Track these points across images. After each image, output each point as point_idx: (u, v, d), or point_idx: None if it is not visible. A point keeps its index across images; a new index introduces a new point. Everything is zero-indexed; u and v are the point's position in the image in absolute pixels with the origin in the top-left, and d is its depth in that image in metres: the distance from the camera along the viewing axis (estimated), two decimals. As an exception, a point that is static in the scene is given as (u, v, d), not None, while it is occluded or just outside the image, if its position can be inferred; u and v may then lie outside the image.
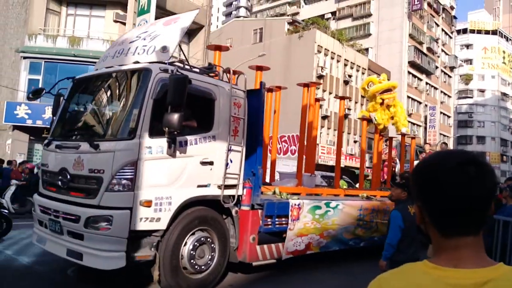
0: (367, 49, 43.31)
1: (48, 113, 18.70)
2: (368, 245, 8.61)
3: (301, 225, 6.98)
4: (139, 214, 5.04)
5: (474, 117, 63.58)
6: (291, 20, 37.56)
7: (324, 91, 33.57)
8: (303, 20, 38.78)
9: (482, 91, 64.36)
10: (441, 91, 52.29)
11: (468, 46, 65.35)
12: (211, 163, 5.82)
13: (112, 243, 4.97)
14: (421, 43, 46.45)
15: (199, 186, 5.73)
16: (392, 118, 11.19)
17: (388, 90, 10.92)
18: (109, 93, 6.24)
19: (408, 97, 44.65)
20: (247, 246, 6.24)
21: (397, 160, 13.24)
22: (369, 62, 39.61)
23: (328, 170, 30.62)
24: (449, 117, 54.74)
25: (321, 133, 33.27)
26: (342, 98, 10.70)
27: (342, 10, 47.08)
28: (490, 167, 1.05)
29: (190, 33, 24.60)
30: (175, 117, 4.98)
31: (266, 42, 35.88)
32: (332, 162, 29.94)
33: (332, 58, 35.03)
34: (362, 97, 31.99)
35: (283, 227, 6.83)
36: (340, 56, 35.61)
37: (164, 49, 5.59)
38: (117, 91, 6.09)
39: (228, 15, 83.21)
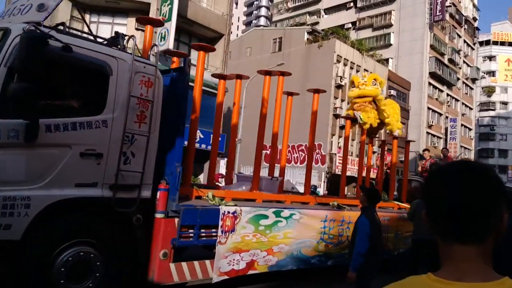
0: (387, 60, 42.29)
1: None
2: (338, 264, 7.10)
3: (237, 238, 5.64)
4: None
5: (496, 130, 61.88)
6: (311, 30, 37.28)
7: (343, 100, 33.16)
8: (322, 30, 38.53)
9: (505, 103, 62.64)
10: (463, 103, 50.60)
11: (490, 58, 63.79)
12: (98, 155, 4.52)
13: None
14: (442, 54, 44.99)
15: (78, 185, 4.42)
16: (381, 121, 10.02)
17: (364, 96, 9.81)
18: None
19: (429, 108, 43.49)
20: (155, 264, 4.93)
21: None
22: (389, 72, 38.76)
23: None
24: (470, 129, 53.15)
25: (338, 142, 33.05)
26: (316, 91, 8.98)
27: (362, 20, 46.13)
28: (493, 174, 1.01)
29: (210, 42, 24.79)
30: (19, 88, 3.70)
31: (285, 51, 35.47)
32: (349, 173, 29.53)
33: (352, 68, 34.51)
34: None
35: (212, 240, 5.49)
36: (359, 66, 35.03)
37: (41, 7, 4.40)
38: None
39: (248, 24, 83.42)
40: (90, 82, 4.76)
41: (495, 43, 63.81)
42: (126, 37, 5.26)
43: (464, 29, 51.34)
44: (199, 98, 6.62)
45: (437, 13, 42.59)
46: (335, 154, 31.05)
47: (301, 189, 10.54)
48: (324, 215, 7.03)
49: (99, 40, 5.33)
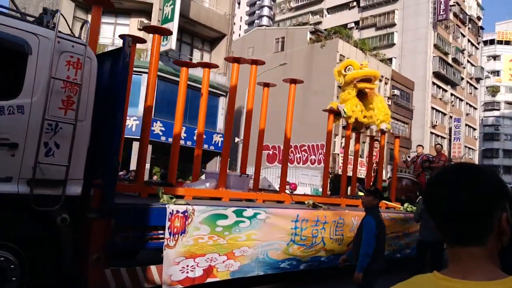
0: (390, 59, 42.12)
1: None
2: (312, 268, 6.56)
3: (189, 241, 4.99)
4: None
5: (501, 130, 61.42)
6: (314, 29, 37.34)
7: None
8: (325, 29, 38.57)
9: (510, 103, 61.96)
10: (467, 103, 50.34)
11: (495, 57, 63.42)
12: (13, 146, 3.97)
13: None
14: (446, 54, 44.71)
15: None
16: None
17: (368, 80, 8.80)
18: None
19: (433, 108, 43.18)
20: (87, 270, 4.36)
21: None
22: (393, 72, 38.60)
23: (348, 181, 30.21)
24: (474, 129, 52.81)
25: (341, 143, 33.06)
26: (293, 81, 8.30)
27: (365, 19, 45.95)
28: (488, 176, 1.01)
29: (212, 42, 24.88)
30: None
31: (288, 51, 35.36)
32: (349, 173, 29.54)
33: (355, 68, 34.74)
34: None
35: (158, 244, 4.88)
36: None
37: None
38: None
39: (250, 24, 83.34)
40: (4, 62, 4.13)
41: (500, 42, 63.46)
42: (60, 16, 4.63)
43: (468, 28, 51.16)
44: (153, 85, 6.13)
45: (441, 12, 42.49)
46: (338, 154, 31.04)
47: (305, 189, 10.42)
48: (295, 215, 6.32)
49: (28, 18, 4.75)
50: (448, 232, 1.02)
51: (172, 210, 4.89)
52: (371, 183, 10.13)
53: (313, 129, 26.65)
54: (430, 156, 11.06)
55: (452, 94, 46.99)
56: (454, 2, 46.02)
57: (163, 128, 19.90)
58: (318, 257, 6.61)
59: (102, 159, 4.62)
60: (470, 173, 1.02)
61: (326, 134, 9.15)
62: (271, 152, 34.05)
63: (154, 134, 18.94)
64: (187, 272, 4.95)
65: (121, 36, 6.49)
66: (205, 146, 22.65)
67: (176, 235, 4.88)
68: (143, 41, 6.17)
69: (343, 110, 8.70)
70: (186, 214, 4.98)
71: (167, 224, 4.82)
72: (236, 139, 24.75)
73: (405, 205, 9.29)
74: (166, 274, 4.78)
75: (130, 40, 4.82)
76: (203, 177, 7.95)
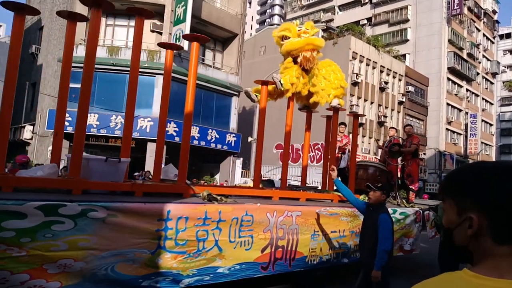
0: (404, 55, 41.96)
1: (89, 120, 19.64)
2: (204, 283, 4.72)
3: None
4: None
5: (519, 125, 61.13)
6: (326, 27, 37.32)
7: (359, 98, 33.15)
8: (337, 27, 38.50)
9: (527, 98, 61.76)
10: (483, 98, 49.73)
11: (511, 51, 63.10)
12: None
13: None
14: (461, 49, 44.33)
15: None
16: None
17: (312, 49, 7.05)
18: None
19: (448, 104, 42.88)
20: None
21: (346, 150, 9.72)
22: (406, 68, 38.44)
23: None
24: (491, 125, 52.12)
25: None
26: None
27: (378, 16, 45.78)
28: None
29: (224, 42, 25.00)
30: None
31: (300, 49, 35.77)
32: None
33: (368, 65, 34.36)
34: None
35: None
36: (376, 62, 34.82)
37: None
38: None
39: (262, 23, 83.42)
40: None
41: (516, 36, 62.60)
42: None
43: (483, 22, 50.46)
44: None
45: (455, 7, 42.00)
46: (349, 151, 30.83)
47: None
48: (163, 211, 4.42)
49: None
50: (505, 229, 0.98)
51: None
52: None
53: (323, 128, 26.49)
54: (401, 138, 9.67)
55: (467, 90, 46.43)
56: (468, -4, 45.46)
57: (176, 129, 20.05)
58: (213, 268, 4.79)
59: None
60: None
61: (259, 114, 7.36)
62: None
63: (168, 134, 19.09)
64: None
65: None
66: (219, 146, 22.77)
67: None
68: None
69: (279, 81, 6.91)
70: None
71: None
72: (249, 139, 24.81)
73: (362, 197, 7.31)
74: None
75: None
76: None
